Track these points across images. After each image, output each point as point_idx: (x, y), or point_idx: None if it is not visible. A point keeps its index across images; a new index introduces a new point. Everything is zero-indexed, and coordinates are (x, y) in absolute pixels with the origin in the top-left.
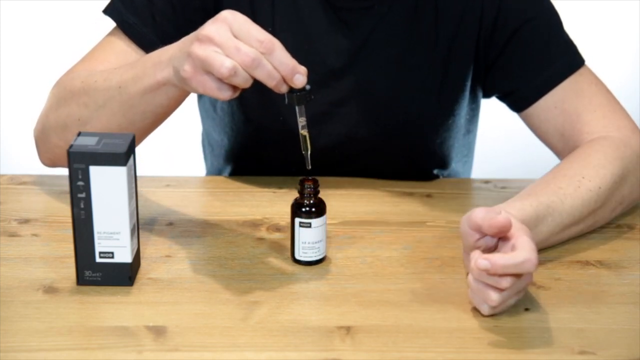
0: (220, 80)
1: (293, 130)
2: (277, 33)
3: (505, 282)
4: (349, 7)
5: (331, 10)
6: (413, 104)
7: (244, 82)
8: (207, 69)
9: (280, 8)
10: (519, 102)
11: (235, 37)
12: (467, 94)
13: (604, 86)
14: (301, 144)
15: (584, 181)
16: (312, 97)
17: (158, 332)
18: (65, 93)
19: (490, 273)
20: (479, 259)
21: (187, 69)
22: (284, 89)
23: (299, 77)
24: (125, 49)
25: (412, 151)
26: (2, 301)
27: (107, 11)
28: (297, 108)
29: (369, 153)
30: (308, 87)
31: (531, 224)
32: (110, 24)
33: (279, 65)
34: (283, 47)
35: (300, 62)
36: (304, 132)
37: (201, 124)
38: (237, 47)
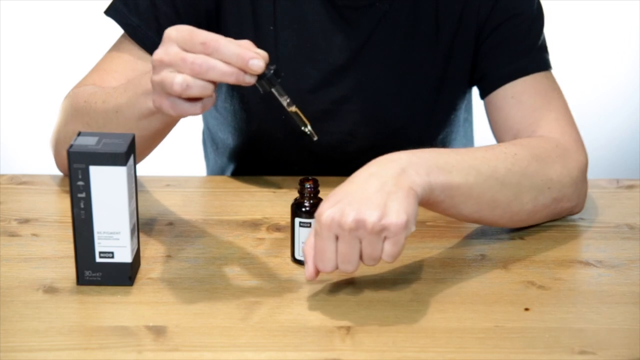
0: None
1: (295, 130)
2: (279, 31)
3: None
4: (350, 5)
5: (332, 8)
6: (415, 101)
7: (202, 90)
8: (167, 92)
9: (282, 6)
10: (484, 87)
11: (184, 50)
12: (467, 87)
13: (564, 98)
14: (297, 121)
15: (501, 147)
16: (283, 74)
17: (158, 332)
18: (72, 110)
19: None
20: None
21: (155, 98)
22: (248, 79)
23: (254, 61)
24: (132, 57)
25: (414, 147)
26: (2, 301)
27: (110, 12)
28: (273, 91)
29: (372, 150)
30: (273, 66)
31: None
32: (115, 28)
33: (229, 59)
34: (229, 40)
35: (302, 60)
36: (292, 109)
37: (202, 122)
38: (183, 59)
